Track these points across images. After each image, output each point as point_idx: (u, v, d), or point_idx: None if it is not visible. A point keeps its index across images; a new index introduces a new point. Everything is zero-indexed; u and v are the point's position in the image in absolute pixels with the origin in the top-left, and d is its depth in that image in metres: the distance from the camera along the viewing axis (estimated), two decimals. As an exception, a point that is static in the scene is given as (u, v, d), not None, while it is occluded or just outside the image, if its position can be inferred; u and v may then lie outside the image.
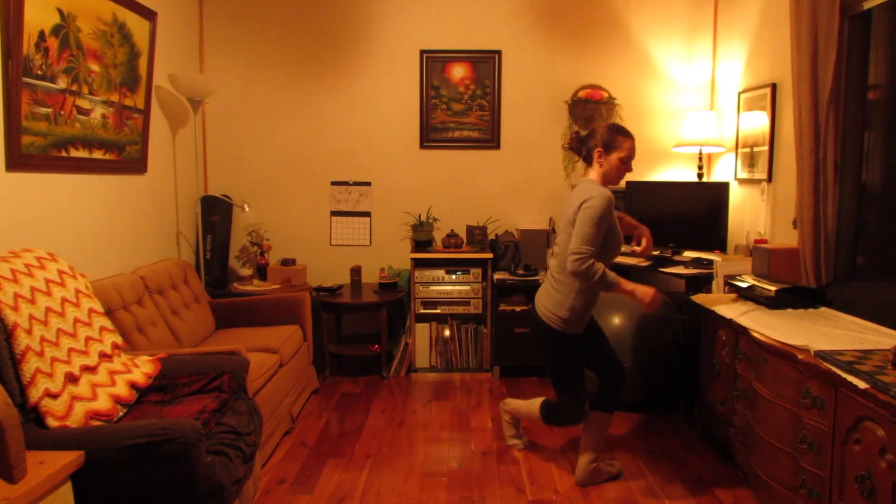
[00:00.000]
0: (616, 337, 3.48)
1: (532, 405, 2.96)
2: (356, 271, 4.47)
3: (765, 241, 3.50)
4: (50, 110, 2.74)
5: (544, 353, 2.75)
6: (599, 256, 2.52)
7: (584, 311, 2.64)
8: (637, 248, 2.87)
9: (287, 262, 4.42)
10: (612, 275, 2.52)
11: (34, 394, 1.97)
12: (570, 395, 2.74)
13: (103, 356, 2.36)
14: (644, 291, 2.56)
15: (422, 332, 4.26)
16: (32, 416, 1.97)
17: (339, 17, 4.48)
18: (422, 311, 4.25)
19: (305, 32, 4.49)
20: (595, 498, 2.70)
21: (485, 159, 4.59)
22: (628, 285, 2.56)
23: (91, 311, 2.43)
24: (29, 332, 2.04)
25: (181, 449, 1.91)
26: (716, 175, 4.40)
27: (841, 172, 3.00)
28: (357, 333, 4.63)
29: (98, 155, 3.14)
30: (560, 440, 3.27)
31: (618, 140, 2.62)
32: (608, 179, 2.66)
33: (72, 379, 2.14)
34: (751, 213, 3.88)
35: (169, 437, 1.91)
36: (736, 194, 4.02)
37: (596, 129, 2.68)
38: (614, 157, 2.62)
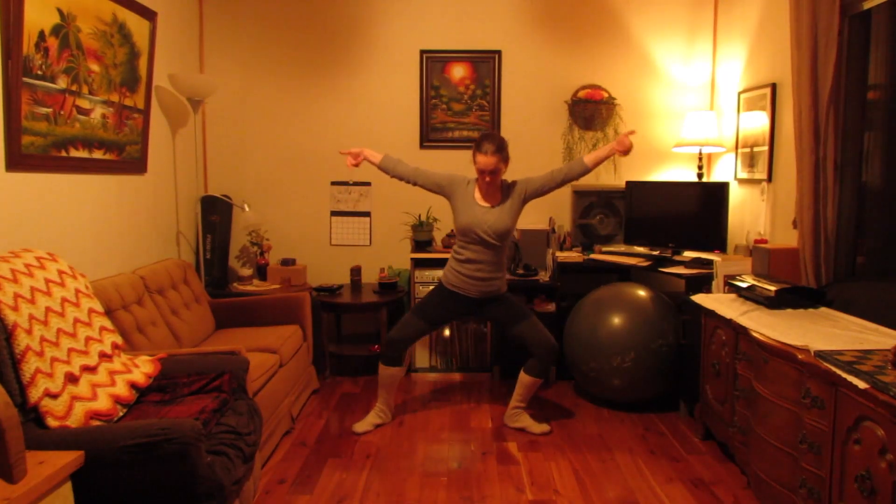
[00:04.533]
0: (616, 337, 3.48)
1: (520, 384, 3.36)
2: (356, 271, 4.47)
3: (765, 241, 3.50)
4: (50, 110, 2.74)
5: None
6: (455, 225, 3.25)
7: (452, 270, 3.26)
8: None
9: (287, 262, 4.42)
10: None
11: (34, 394, 1.97)
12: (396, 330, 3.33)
13: (103, 356, 2.36)
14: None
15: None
16: (32, 416, 1.97)
17: (339, 17, 4.48)
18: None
19: (305, 32, 4.49)
20: (595, 497, 2.70)
21: (485, 159, 4.58)
22: None
23: (91, 311, 2.43)
24: (29, 332, 2.04)
25: (181, 449, 1.91)
26: (716, 175, 4.40)
27: (841, 172, 3.00)
28: (357, 333, 4.63)
29: (98, 155, 3.14)
30: (560, 440, 3.27)
31: (474, 154, 3.16)
32: (480, 183, 3.20)
33: (72, 379, 2.14)
34: (751, 213, 3.88)
35: (169, 437, 1.90)
36: (736, 194, 4.02)
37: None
38: (476, 165, 3.15)
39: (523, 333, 3.28)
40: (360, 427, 3.35)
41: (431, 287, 4.20)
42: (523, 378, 3.33)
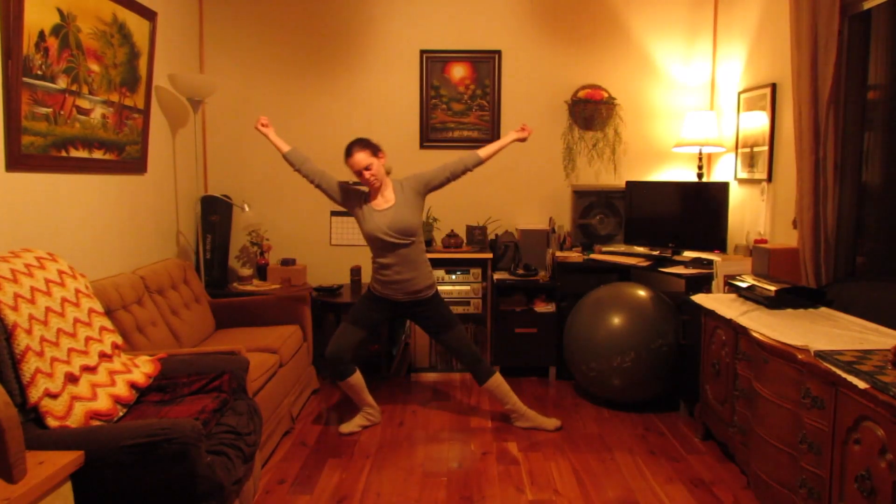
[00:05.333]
0: (616, 337, 3.48)
1: (490, 395, 3.46)
2: (356, 271, 4.47)
3: (765, 241, 3.50)
4: (50, 110, 2.74)
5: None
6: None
7: (374, 277, 3.32)
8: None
9: (287, 262, 4.43)
10: None
11: (34, 394, 1.97)
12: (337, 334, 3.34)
13: (103, 356, 2.36)
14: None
15: (422, 332, 4.25)
16: (32, 416, 1.97)
17: (339, 17, 4.48)
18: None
19: (305, 32, 4.49)
20: (595, 497, 2.70)
21: (485, 159, 4.58)
22: None
23: (91, 311, 2.43)
24: (29, 332, 2.04)
25: (181, 449, 1.91)
26: (716, 175, 4.40)
27: (841, 172, 3.00)
28: (357, 333, 4.62)
29: (98, 155, 3.14)
30: (560, 440, 3.27)
31: (346, 162, 3.20)
32: (369, 187, 3.25)
33: (72, 379, 2.14)
34: (751, 213, 3.88)
35: (169, 437, 1.90)
36: (736, 194, 4.02)
37: None
38: (357, 175, 3.19)
39: (448, 343, 3.34)
40: (346, 428, 3.36)
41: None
42: (486, 388, 3.37)
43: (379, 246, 3.21)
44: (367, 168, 3.14)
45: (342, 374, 3.31)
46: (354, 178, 3.24)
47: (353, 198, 3.27)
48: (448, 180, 3.30)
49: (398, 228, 3.16)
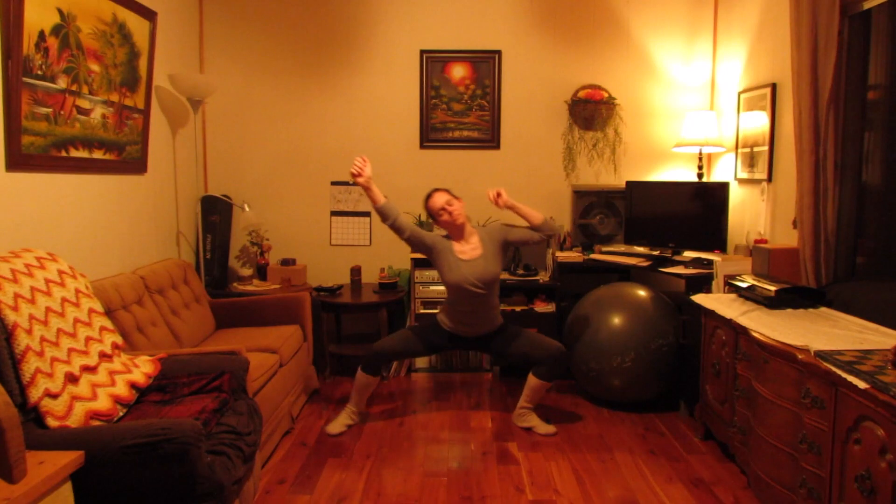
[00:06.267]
0: (616, 337, 3.48)
1: (527, 386, 3.37)
2: (356, 271, 4.47)
3: (765, 241, 3.50)
4: (50, 110, 2.74)
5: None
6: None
7: (447, 314, 3.35)
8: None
9: (287, 262, 4.43)
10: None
11: (34, 394, 1.97)
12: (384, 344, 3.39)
13: (103, 356, 2.36)
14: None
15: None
16: (32, 416, 1.97)
17: (339, 17, 4.48)
18: (422, 311, 4.25)
19: (305, 32, 4.49)
20: (595, 497, 2.70)
21: (485, 159, 4.59)
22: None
23: (91, 311, 2.43)
24: (29, 332, 2.04)
25: (181, 449, 1.91)
26: (716, 175, 4.40)
27: (841, 172, 3.00)
28: (357, 333, 4.63)
29: (98, 155, 3.14)
30: (560, 440, 3.27)
31: (427, 208, 3.30)
32: (451, 231, 3.28)
33: (72, 379, 2.14)
34: (751, 213, 3.88)
35: (169, 437, 1.90)
36: (736, 194, 4.02)
37: None
38: (437, 218, 3.26)
39: (525, 350, 3.31)
40: (333, 428, 3.35)
41: (431, 287, 4.23)
42: (531, 380, 3.35)
43: (461, 294, 3.20)
44: (448, 203, 3.18)
45: (373, 370, 3.33)
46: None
47: (440, 246, 3.24)
48: (522, 244, 3.34)
49: (486, 280, 3.17)
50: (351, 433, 3.34)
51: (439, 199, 3.23)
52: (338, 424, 3.37)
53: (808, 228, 2.98)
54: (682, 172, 4.54)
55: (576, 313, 3.77)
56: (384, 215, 3.20)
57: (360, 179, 3.17)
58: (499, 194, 3.18)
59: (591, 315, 3.64)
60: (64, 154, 2.87)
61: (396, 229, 3.23)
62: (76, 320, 2.31)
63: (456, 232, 3.25)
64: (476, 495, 2.73)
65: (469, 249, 3.24)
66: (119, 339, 2.51)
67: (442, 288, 4.22)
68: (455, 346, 3.45)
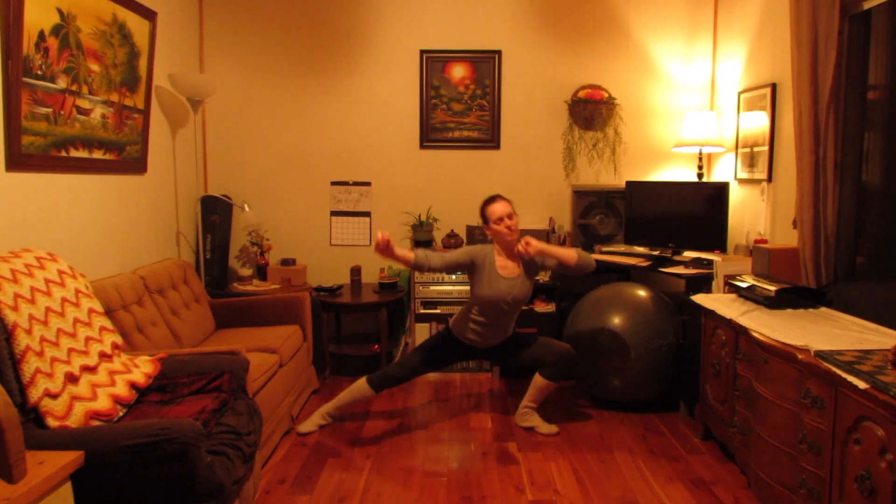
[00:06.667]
0: (616, 337, 3.48)
1: (533, 385, 3.35)
2: (356, 271, 4.47)
3: (765, 241, 3.50)
4: (50, 110, 2.74)
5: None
6: (472, 294, 3.25)
7: (464, 324, 3.29)
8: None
9: (287, 262, 4.43)
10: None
11: (34, 394, 1.97)
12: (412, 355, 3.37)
13: (103, 356, 2.36)
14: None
15: (422, 332, 4.26)
16: (32, 416, 1.97)
17: (339, 17, 4.48)
18: (422, 311, 4.25)
19: (305, 32, 4.49)
20: (595, 497, 2.70)
21: (485, 159, 4.59)
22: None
23: (91, 311, 2.43)
24: (29, 332, 2.04)
25: (181, 449, 1.91)
26: (716, 175, 4.40)
27: (841, 172, 3.00)
28: (357, 333, 4.63)
29: (98, 155, 3.14)
30: (560, 440, 3.27)
31: (485, 211, 3.18)
32: (500, 243, 3.19)
33: (72, 379, 2.14)
34: (751, 213, 3.88)
35: (169, 437, 1.90)
36: (736, 194, 4.02)
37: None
38: (492, 225, 3.15)
39: (536, 356, 3.32)
40: (304, 427, 3.33)
41: (431, 287, 4.23)
42: (538, 380, 3.34)
43: (491, 308, 3.18)
44: (509, 217, 3.12)
45: (377, 387, 3.28)
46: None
47: (477, 257, 3.17)
48: (555, 270, 3.29)
49: (519, 300, 3.17)
50: (351, 433, 3.34)
51: (502, 209, 3.13)
52: (310, 424, 3.36)
53: (808, 228, 2.98)
54: (682, 172, 4.54)
55: (576, 313, 3.77)
56: (419, 268, 3.15)
57: (387, 253, 2.96)
58: (527, 243, 3.02)
59: (591, 315, 3.64)
60: (64, 154, 2.87)
61: (435, 271, 3.26)
62: (76, 320, 2.31)
63: (505, 246, 3.18)
64: (476, 495, 2.73)
65: (511, 266, 3.19)
66: (119, 339, 2.51)
67: (443, 288, 4.24)
68: (467, 357, 3.44)
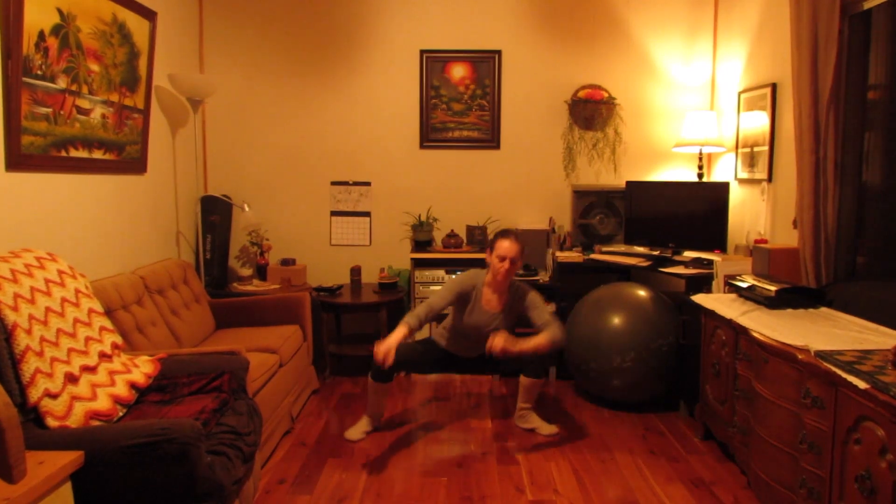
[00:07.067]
0: (616, 337, 3.48)
1: (521, 387, 3.37)
2: (356, 271, 4.47)
3: (765, 241, 3.50)
4: (50, 110, 2.74)
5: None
6: (453, 314, 3.38)
7: (445, 336, 3.43)
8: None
9: (287, 262, 4.43)
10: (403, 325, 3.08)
11: (34, 394, 1.97)
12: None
13: (103, 356, 2.36)
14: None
15: (422, 332, 4.24)
16: (32, 416, 1.97)
17: (339, 17, 4.48)
18: (422, 311, 4.24)
19: (305, 32, 4.49)
20: (595, 497, 2.70)
21: (485, 159, 4.59)
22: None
23: (91, 311, 2.43)
24: (28, 332, 2.04)
25: (181, 449, 1.91)
26: (716, 175, 4.40)
27: (841, 172, 2.99)
28: (357, 333, 4.63)
29: (98, 155, 3.14)
30: (560, 440, 3.27)
31: (494, 242, 3.24)
32: (493, 275, 3.25)
33: (71, 379, 2.14)
34: (751, 213, 3.88)
35: (169, 437, 1.90)
36: (736, 194, 4.02)
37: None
38: (494, 257, 3.21)
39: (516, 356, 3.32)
40: (352, 434, 3.29)
41: (431, 287, 4.23)
42: (522, 380, 3.34)
43: (470, 332, 3.32)
44: (512, 261, 3.18)
45: (384, 378, 3.25)
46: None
47: (466, 289, 3.28)
48: (531, 325, 3.25)
49: (493, 329, 3.21)
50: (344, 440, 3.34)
51: (509, 250, 3.17)
52: (356, 431, 3.32)
53: (808, 228, 2.98)
54: (682, 172, 4.54)
55: (576, 313, 3.77)
56: (421, 326, 3.18)
57: (389, 360, 2.95)
58: (493, 346, 3.05)
59: (591, 315, 3.64)
60: (64, 154, 2.87)
61: (437, 319, 3.43)
62: (76, 320, 2.31)
63: (495, 283, 3.27)
64: (476, 495, 2.73)
65: (495, 302, 3.30)
66: (119, 339, 2.51)
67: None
68: (452, 361, 3.48)
